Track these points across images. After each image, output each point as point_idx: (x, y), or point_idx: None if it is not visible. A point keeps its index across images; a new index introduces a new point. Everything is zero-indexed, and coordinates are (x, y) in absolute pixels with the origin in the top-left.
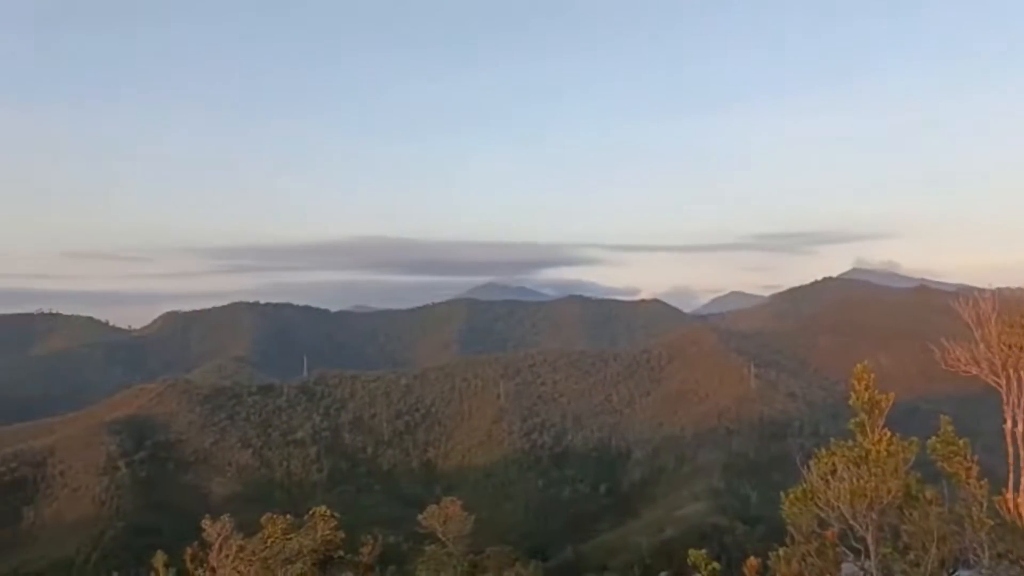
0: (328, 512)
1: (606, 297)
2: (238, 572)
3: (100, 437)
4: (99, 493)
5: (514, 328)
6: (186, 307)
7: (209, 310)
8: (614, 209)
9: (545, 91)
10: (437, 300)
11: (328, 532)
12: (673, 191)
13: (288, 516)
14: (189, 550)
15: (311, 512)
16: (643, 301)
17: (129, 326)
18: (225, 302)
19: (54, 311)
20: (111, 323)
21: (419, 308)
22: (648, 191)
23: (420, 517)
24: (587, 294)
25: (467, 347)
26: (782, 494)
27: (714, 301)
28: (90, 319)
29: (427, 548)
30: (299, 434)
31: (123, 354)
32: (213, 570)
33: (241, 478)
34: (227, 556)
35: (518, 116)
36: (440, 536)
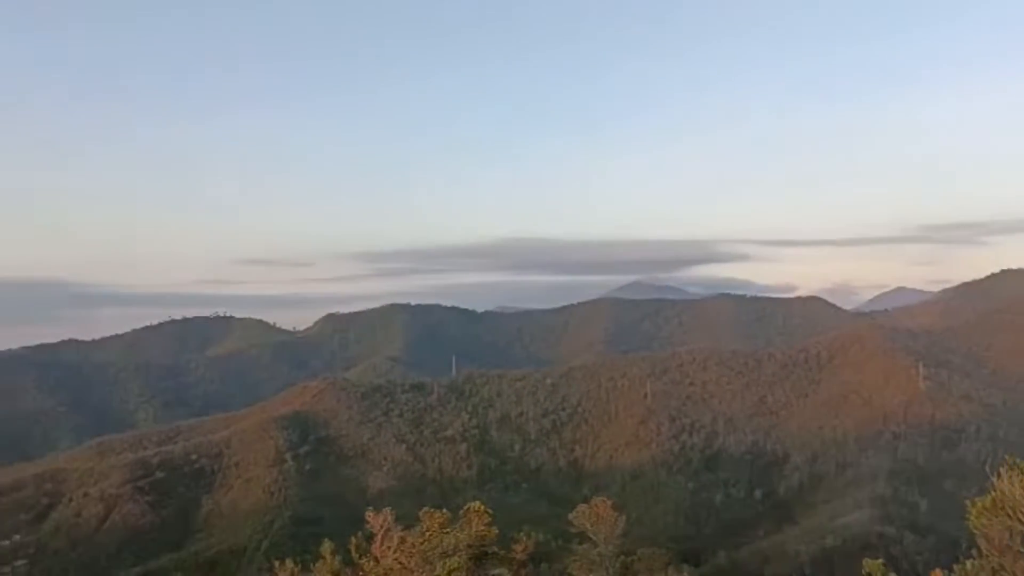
0: (482, 508)
1: (760, 295)
2: (399, 563)
3: (269, 431)
4: (269, 484)
5: (660, 327)
6: (344, 309)
7: (365, 312)
8: (767, 203)
9: (689, 84)
10: (581, 300)
11: (482, 528)
12: (831, 182)
13: (444, 511)
14: (353, 540)
15: (466, 508)
16: (800, 298)
17: (294, 328)
18: (380, 304)
19: (228, 314)
20: (278, 325)
21: (563, 308)
22: (803, 183)
23: (570, 516)
24: (739, 292)
25: (612, 347)
26: (968, 503)
27: (878, 298)
28: (260, 321)
29: (578, 547)
30: (449, 431)
31: (288, 354)
32: (376, 560)
33: (396, 472)
34: (389, 548)
35: (661, 110)
36: (591, 536)
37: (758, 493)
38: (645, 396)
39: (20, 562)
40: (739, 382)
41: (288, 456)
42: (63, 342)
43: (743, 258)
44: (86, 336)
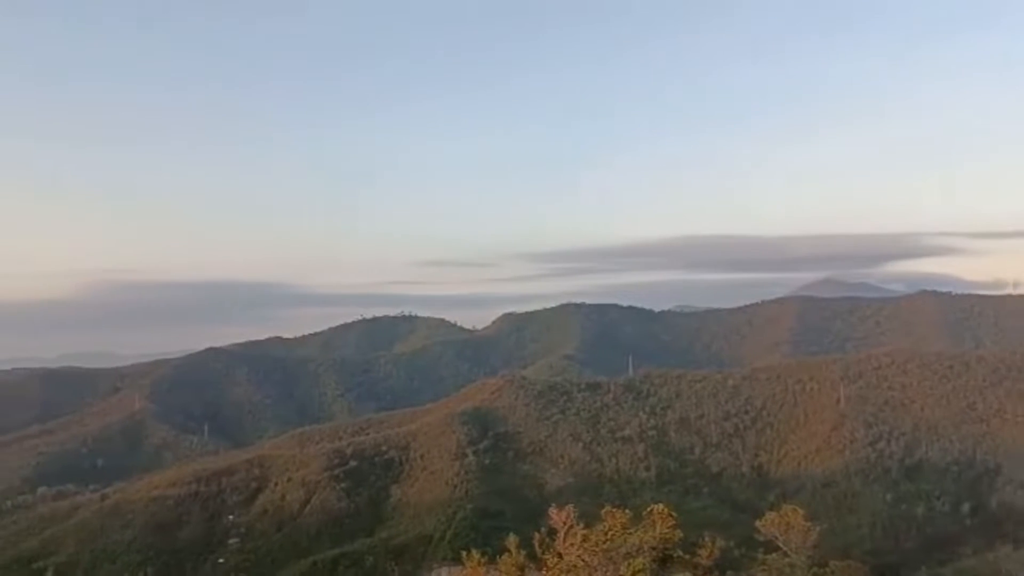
0: (666, 510)
1: (967, 292)
2: (583, 560)
3: (452, 426)
4: (451, 477)
5: (854, 327)
6: (521, 308)
7: (541, 311)
8: (974, 192)
9: (875, 67)
10: (766, 298)
11: (666, 530)
12: None
13: (626, 511)
14: (537, 535)
15: (648, 509)
16: (1012, 296)
17: (473, 327)
18: (555, 304)
19: (413, 314)
20: (459, 324)
21: (746, 307)
22: (1017, 170)
23: (758, 523)
24: (943, 289)
25: (800, 347)
26: None
27: None
28: (442, 320)
29: (766, 556)
30: (626, 431)
31: (469, 352)
32: (560, 556)
33: (573, 470)
34: (572, 544)
35: (843, 95)
36: (780, 545)
37: (966, 507)
38: (838, 401)
39: (233, 540)
40: (944, 387)
41: (469, 451)
42: (270, 339)
43: (948, 252)
44: (290, 334)
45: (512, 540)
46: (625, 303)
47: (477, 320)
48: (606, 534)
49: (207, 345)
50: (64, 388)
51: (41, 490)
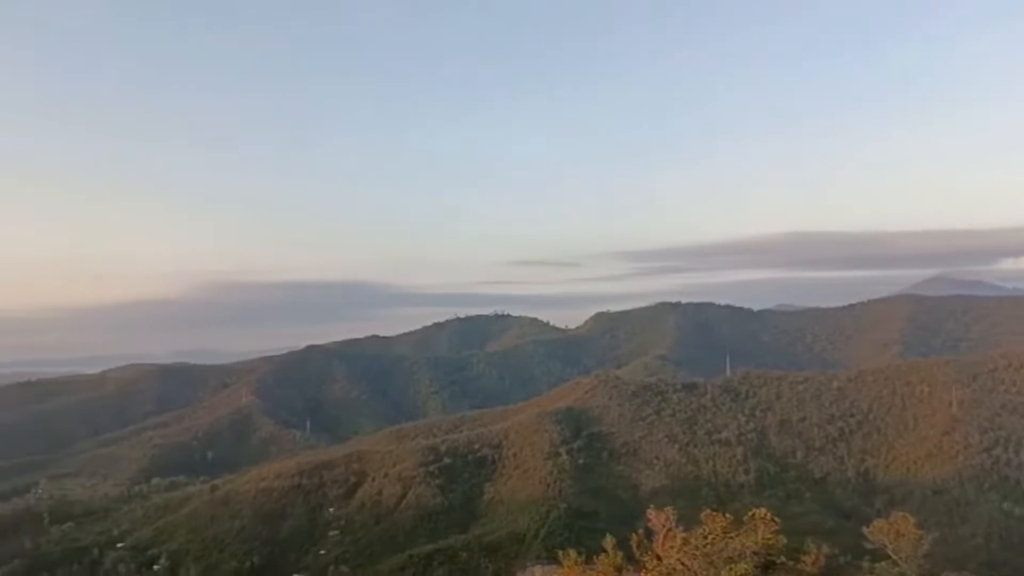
0: (768, 515)
1: None
2: (682, 564)
3: (544, 425)
4: (544, 476)
5: (968, 328)
6: (614, 308)
7: (634, 310)
8: None
9: (992, 49)
10: (873, 297)
11: (769, 536)
12: None
13: (726, 515)
14: (635, 536)
15: (750, 514)
16: None
17: (565, 326)
18: (649, 303)
19: (506, 313)
20: (551, 323)
21: (852, 306)
22: None
23: (866, 530)
24: None
25: (911, 348)
26: None
27: None
28: (534, 319)
29: (873, 564)
30: (724, 433)
31: (561, 351)
32: (658, 558)
33: (668, 472)
34: (672, 547)
35: (955, 82)
36: (890, 554)
37: None
38: (950, 404)
39: (333, 532)
40: None
41: (562, 450)
42: (368, 337)
43: None
44: (386, 332)
45: (609, 540)
46: (722, 302)
47: (569, 319)
48: (706, 538)
49: (309, 343)
50: (177, 384)
51: (155, 481)
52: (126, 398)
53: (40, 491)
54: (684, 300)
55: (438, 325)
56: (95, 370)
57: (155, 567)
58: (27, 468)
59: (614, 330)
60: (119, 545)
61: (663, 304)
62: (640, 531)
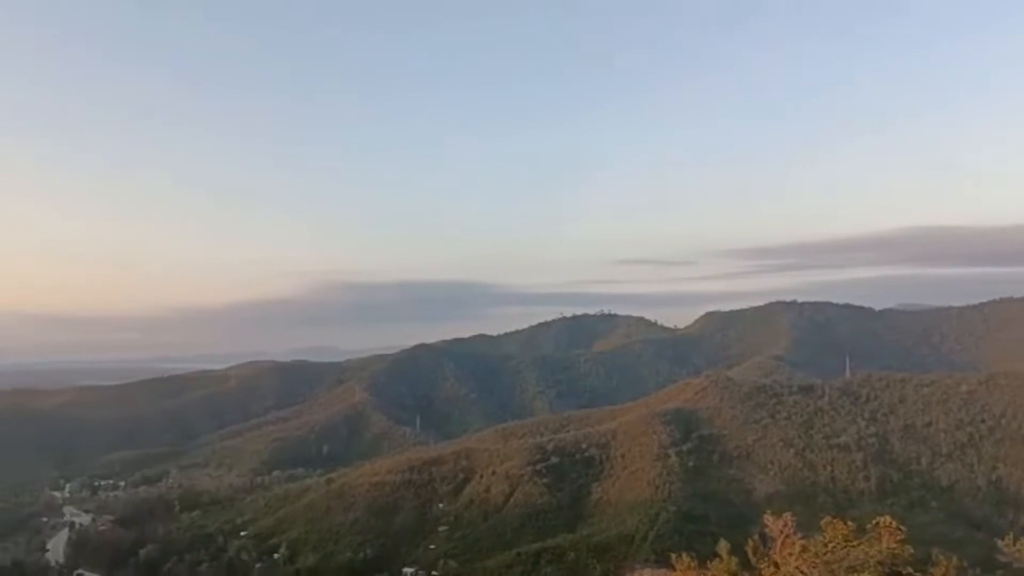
0: (893, 524)
1: None
2: (801, 572)
3: (653, 426)
4: (653, 478)
5: None
6: (725, 307)
7: (747, 310)
8: None
9: None
10: (1006, 295)
11: (894, 545)
12: None
13: (848, 523)
14: (751, 542)
15: (874, 521)
16: None
17: (674, 325)
18: (762, 302)
19: (612, 312)
20: (659, 323)
21: (983, 304)
22: None
23: (1000, 543)
24: None
25: None
26: None
27: None
28: (641, 319)
29: None
30: (843, 438)
31: (669, 351)
32: (776, 566)
33: (783, 477)
34: (790, 554)
35: None
36: None
37: None
38: None
39: (442, 528)
40: None
41: (671, 452)
42: (475, 336)
43: None
44: (493, 331)
45: (723, 545)
46: (840, 301)
47: (678, 319)
48: (827, 545)
49: (419, 341)
50: (295, 380)
51: (275, 473)
52: (248, 393)
53: (171, 480)
54: (800, 299)
55: (544, 324)
56: (220, 366)
57: (275, 555)
58: (159, 458)
59: (725, 330)
60: (242, 533)
61: (777, 303)
62: (755, 536)
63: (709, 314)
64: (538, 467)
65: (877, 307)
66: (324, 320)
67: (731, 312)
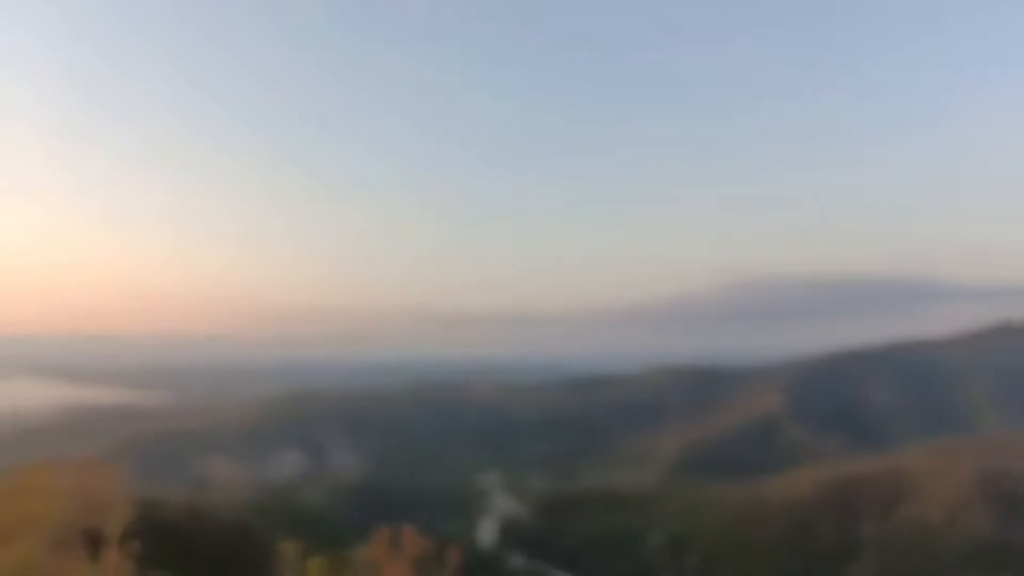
0: None
1: None
2: None
3: None
4: None
5: None
6: None
7: None
8: None
9: None
10: None
11: None
12: None
13: None
14: None
15: None
16: None
17: None
18: None
19: None
20: None
21: None
22: None
23: None
24: None
25: None
26: None
27: None
28: None
29: None
30: None
31: None
32: None
33: None
34: None
35: None
36: None
37: None
38: None
39: (867, 552)
40: None
41: None
42: (907, 339)
43: None
44: (930, 333)
45: None
46: None
47: None
48: None
49: (838, 343)
50: (705, 383)
51: (686, 477)
52: (659, 395)
53: (583, 477)
54: None
55: (997, 327)
56: (632, 368)
57: (688, 560)
58: (572, 455)
59: None
60: (656, 536)
61: None
62: None
63: None
64: (988, 493)
65: None
66: (737, 319)
67: None
